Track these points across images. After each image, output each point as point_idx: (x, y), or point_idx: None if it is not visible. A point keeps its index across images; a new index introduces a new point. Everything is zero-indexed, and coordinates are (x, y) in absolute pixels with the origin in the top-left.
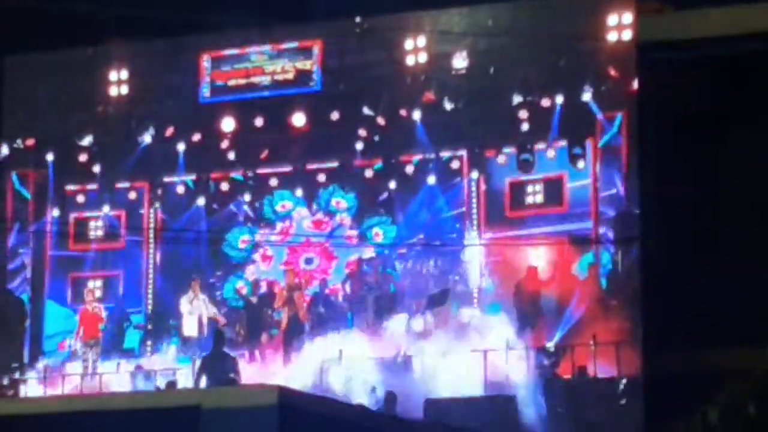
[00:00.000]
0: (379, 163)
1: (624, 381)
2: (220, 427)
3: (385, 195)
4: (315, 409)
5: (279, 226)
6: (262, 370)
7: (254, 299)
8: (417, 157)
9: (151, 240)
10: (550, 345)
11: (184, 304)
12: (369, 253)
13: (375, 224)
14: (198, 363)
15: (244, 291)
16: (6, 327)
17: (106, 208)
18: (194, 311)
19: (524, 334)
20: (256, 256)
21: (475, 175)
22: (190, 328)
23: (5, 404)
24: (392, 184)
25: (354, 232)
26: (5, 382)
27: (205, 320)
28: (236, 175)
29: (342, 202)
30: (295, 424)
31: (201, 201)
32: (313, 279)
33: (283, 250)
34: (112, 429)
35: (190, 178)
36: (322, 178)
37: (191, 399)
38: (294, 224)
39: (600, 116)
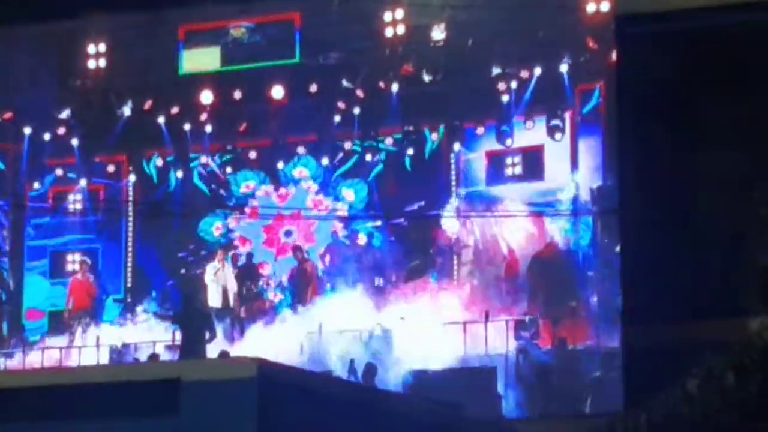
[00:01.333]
0: (357, 139)
1: (603, 353)
2: (199, 399)
3: (355, 159)
4: (295, 381)
5: (247, 208)
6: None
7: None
8: (396, 133)
9: (131, 214)
10: (528, 317)
11: (209, 273)
12: (342, 212)
13: (345, 185)
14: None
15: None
16: None
17: (84, 182)
18: (219, 281)
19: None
20: (236, 242)
21: (455, 147)
22: (213, 298)
23: None
24: (369, 157)
25: (321, 197)
26: None
27: (230, 292)
28: (213, 149)
29: (303, 170)
30: (274, 397)
31: (179, 174)
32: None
33: (260, 231)
34: (91, 402)
35: (169, 154)
36: (301, 150)
37: (171, 372)
38: (258, 202)
39: (578, 88)
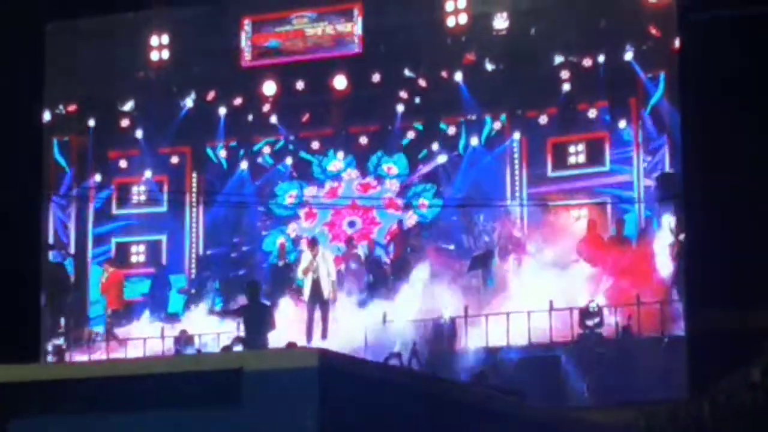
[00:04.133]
0: (420, 125)
1: (667, 340)
2: (261, 389)
3: (430, 164)
4: (357, 371)
5: (327, 186)
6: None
7: (281, 263)
8: (459, 119)
9: (194, 204)
10: (594, 305)
11: (303, 261)
12: (412, 220)
13: (420, 192)
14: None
15: (285, 246)
16: (50, 294)
17: (148, 173)
18: (314, 272)
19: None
20: (301, 213)
21: (517, 135)
22: (306, 290)
23: (45, 369)
24: (434, 146)
25: (400, 201)
26: (50, 348)
27: (324, 284)
28: (278, 139)
29: (393, 168)
30: (336, 387)
31: (244, 165)
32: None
33: (328, 211)
34: (153, 392)
35: (232, 142)
36: (364, 140)
37: (233, 362)
38: (343, 185)
39: (642, 76)
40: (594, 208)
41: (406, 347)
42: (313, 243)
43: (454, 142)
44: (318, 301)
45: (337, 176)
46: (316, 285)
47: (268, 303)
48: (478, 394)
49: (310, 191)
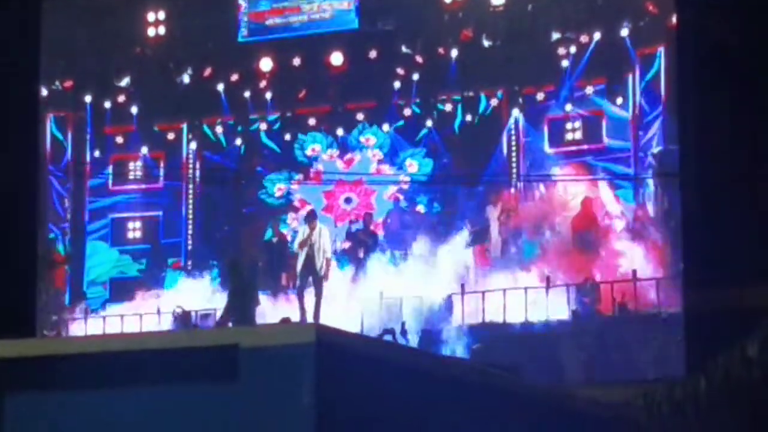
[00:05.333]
0: (416, 101)
1: (664, 317)
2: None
3: (423, 131)
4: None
5: (311, 171)
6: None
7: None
8: (455, 95)
9: (191, 180)
10: (589, 282)
11: (300, 235)
12: (404, 184)
13: (409, 155)
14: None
15: (288, 237)
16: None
17: (144, 149)
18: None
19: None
20: (296, 201)
21: (514, 112)
22: (299, 263)
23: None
24: (429, 122)
25: (386, 167)
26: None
27: (318, 260)
28: (273, 116)
29: (371, 138)
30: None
31: (238, 141)
32: (358, 217)
33: (320, 195)
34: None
35: (230, 119)
36: (360, 117)
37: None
38: (323, 166)
39: (638, 52)
40: (590, 185)
41: (399, 323)
42: (310, 216)
43: (450, 119)
44: (311, 275)
45: (316, 159)
46: (309, 260)
47: (252, 279)
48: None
49: (296, 179)
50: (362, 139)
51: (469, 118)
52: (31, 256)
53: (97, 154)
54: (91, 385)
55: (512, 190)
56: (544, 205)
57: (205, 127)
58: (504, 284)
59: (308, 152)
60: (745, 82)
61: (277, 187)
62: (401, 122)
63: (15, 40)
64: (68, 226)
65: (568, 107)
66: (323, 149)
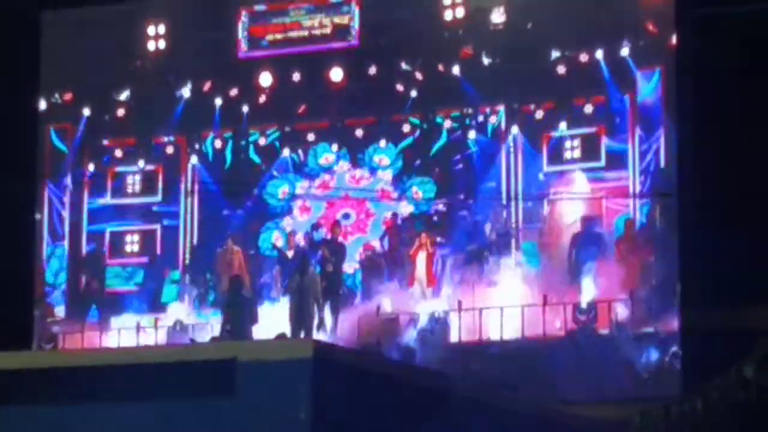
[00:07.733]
0: (416, 118)
1: (661, 337)
2: (255, 379)
3: (425, 154)
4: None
5: (319, 179)
6: None
7: (290, 253)
8: (455, 113)
9: (189, 195)
10: (588, 300)
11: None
12: (406, 210)
13: (416, 183)
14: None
15: (280, 242)
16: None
17: (142, 163)
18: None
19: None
20: (295, 208)
21: (514, 130)
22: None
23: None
24: (430, 140)
25: (391, 189)
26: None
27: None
28: (273, 130)
29: (384, 158)
30: (330, 378)
31: (237, 155)
32: (349, 235)
33: (322, 204)
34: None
35: (228, 132)
36: (360, 133)
37: (227, 352)
38: (335, 178)
39: (638, 72)
40: (589, 203)
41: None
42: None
43: (450, 136)
44: (301, 328)
45: (328, 169)
46: (297, 307)
47: (249, 296)
48: (472, 387)
49: (302, 185)
50: (376, 158)
51: (470, 135)
52: (29, 268)
53: (92, 167)
54: (88, 399)
55: (510, 208)
56: (542, 224)
57: (205, 141)
58: (501, 302)
59: (321, 161)
60: (744, 102)
61: (281, 189)
62: (410, 140)
63: (15, 54)
64: (66, 238)
65: (567, 125)
66: (336, 160)
